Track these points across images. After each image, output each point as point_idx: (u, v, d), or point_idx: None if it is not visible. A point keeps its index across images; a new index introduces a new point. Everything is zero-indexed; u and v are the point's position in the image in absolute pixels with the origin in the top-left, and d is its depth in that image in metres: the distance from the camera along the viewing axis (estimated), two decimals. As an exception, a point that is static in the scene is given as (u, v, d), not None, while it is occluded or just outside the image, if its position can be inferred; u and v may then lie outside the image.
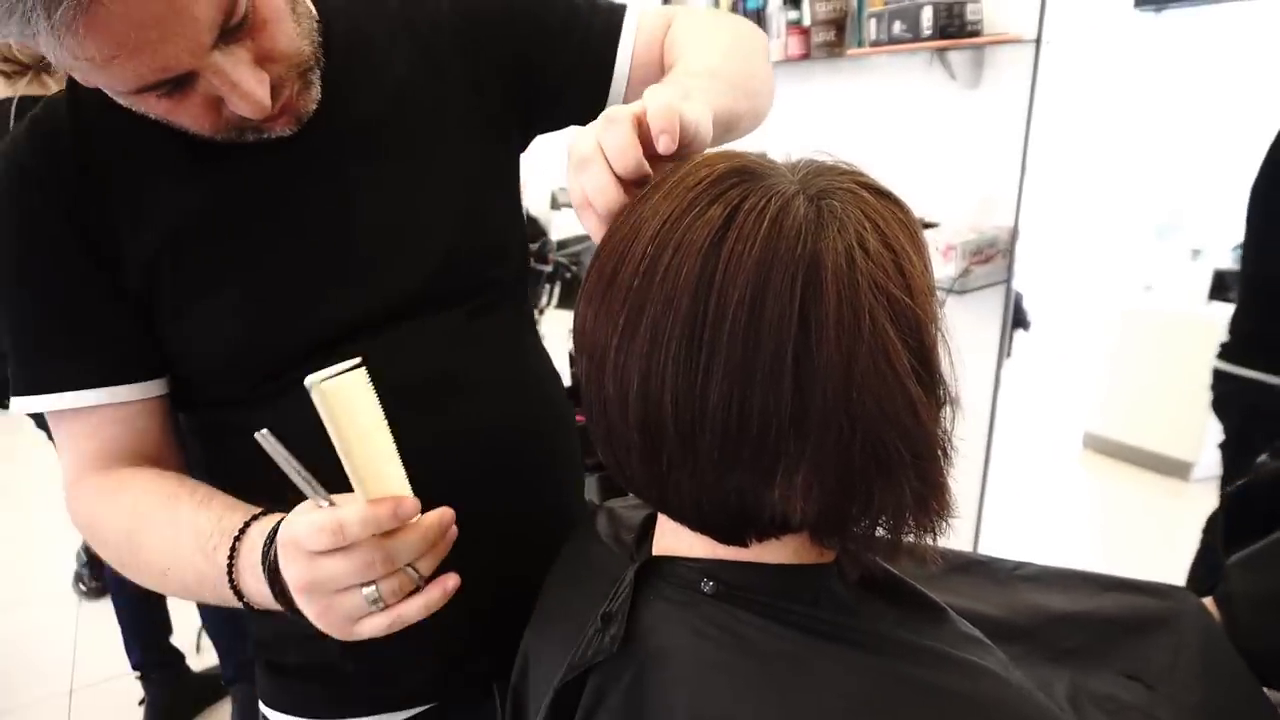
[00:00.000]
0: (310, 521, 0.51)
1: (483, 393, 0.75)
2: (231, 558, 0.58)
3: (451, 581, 0.55)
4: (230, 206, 0.67)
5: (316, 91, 0.67)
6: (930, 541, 0.48)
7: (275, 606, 0.56)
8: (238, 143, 0.65)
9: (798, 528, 0.48)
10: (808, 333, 0.42)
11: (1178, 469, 3.44)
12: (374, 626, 0.53)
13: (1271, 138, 1.73)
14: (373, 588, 0.52)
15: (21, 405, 0.66)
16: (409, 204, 0.72)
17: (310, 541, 0.50)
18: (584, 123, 0.74)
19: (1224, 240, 3.98)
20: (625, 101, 0.80)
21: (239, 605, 0.59)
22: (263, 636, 0.81)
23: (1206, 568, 1.82)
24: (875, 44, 1.89)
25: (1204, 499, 3.27)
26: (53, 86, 1.66)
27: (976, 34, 1.69)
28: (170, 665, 2.09)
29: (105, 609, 2.04)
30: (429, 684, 0.79)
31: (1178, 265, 3.98)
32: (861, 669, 0.46)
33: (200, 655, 2.23)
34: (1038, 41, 1.61)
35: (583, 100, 0.82)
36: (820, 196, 0.44)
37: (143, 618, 2.03)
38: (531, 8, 0.79)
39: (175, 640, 2.10)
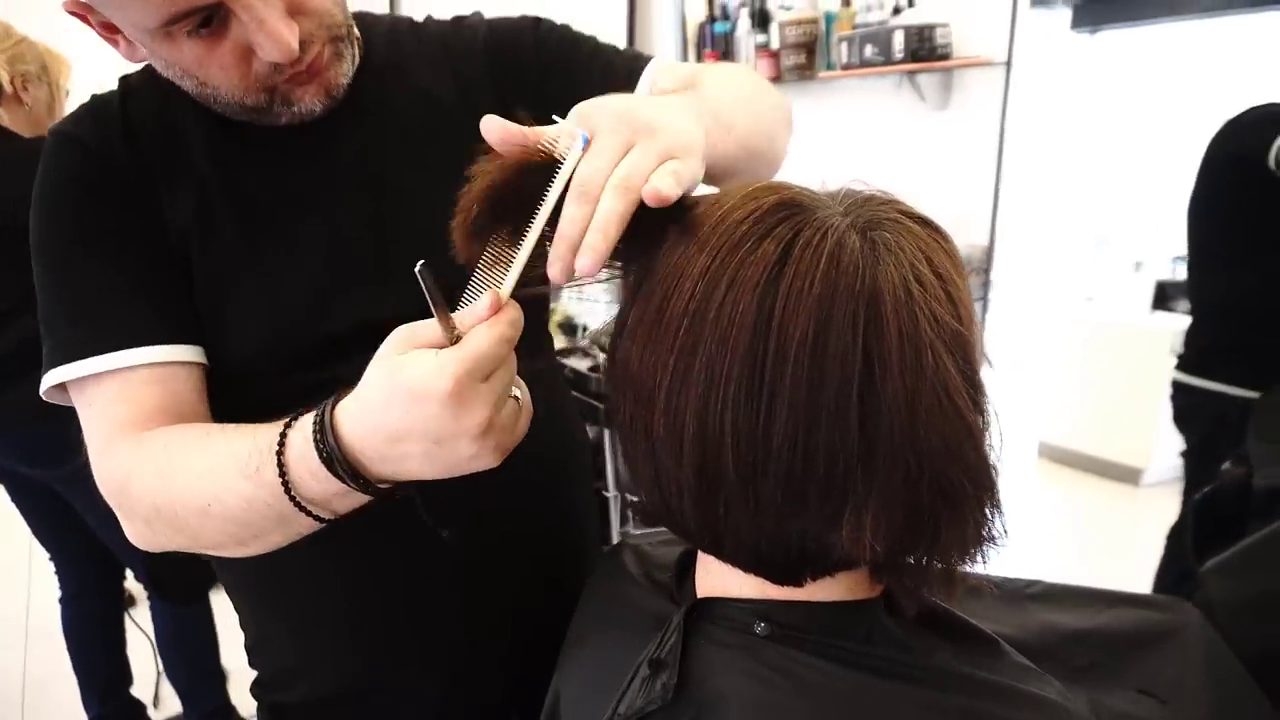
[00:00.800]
0: (482, 351, 0.47)
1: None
2: (282, 463, 0.54)
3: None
4: (262, 190, 0.68)
5: (348, 66, 0.68)
6: (982, 569, 0.49)
7: (342, 502, 0.54)
8: (267, 122, 0.66)
9: (861, 566, 0.48)
10: (871, 368, 0.41)
11: (1129, 475, 3.55)
12: (519, 433, 0.52)
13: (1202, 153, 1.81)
14: (516, 391, 0.52)
15: (60, 375, 0.63)
16: (442, 213, 0.71)
17: (490, 363, 0.47)
18: None
19: (1164, 252, 4.15)
20: None
21: (301, 520, 0.56)
22: (264, 676, 0.79)
23: (1175, 575, 1.87)
24: (847, 67, 1.93)
25: (1155, 503, 3.37)
26: (26, 108, 1.61)
27: (946, 57, 1.74)
28: (130, 717, 2.00)
29: (58, 656, 1.94)
30: (439, 713, 0.77)
31: (1121, 276, 4.13)
32: (924, 706, 0.46)
33: (160, 708, 2.14)
34: (1008, 64, 1.66)
35: None
36: (869, 228, 0.44)
37: (99, 667, 1.94)
38: (561, 45, 0.79)
39: (135, 690, 2.01)
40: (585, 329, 4.17)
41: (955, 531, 0.45)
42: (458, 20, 0.80)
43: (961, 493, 0.44)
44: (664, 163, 0.47)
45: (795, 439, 0.42)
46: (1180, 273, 4.09)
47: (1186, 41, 3.92)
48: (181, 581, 1.89)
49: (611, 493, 1.75)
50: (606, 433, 1.72)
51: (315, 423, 0.52)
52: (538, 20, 0.79)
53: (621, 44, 0.84)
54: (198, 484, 0.57)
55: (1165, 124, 3.96)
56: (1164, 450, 3.59)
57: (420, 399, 0.46)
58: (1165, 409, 3.52)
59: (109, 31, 0.62)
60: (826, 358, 0.41)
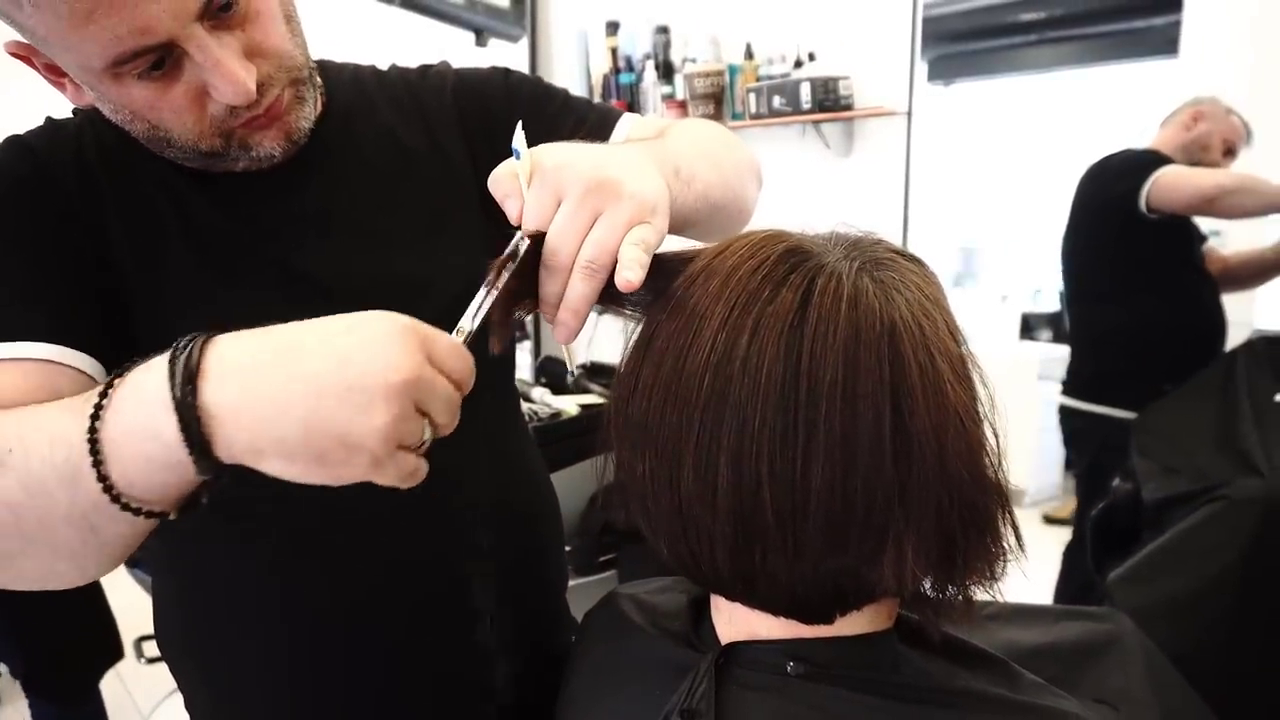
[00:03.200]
0: (459, 346, 0.45)
1: (477, 470, 0.73)
2: (105, 394, 0.42)
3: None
4: (219, 228, 0.64)
5: (310, 110, 0.66)
6: (994, 589, 0.51)
7: (173, 450, 0.41)
8: (223, 169, 0.63)
9: (888, 598, 0.49)
10: (899, 404, 0.44)
11: (1014, 497, 3.75)
12: (404, 465, 0.43)
13: (1055, 192, 2.02)
14: (429, 430, 0.44)
15: None
16: (415, 256, 0.70)
17: (449, 355, 0.44)
18: None
19: (1026, 285, 4.49)
20: None
21: (83, 486, 0.42)
22: None
23: (1075, 588, 1.99)
24: (756, 117, 2.02)
25: (1037, 522, 3.60)
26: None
27: (849, 108, 1.85)
28: None
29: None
30: None
31: (988, 309, 4.43)
32: None
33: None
34: (909, 114, 1.78)
35: None
36: (873, 268, 0.47)
37: None
38: (533, 96, 0.79)
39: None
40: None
41: (983, 553, 0.47)
42: (424, 68, 0.80)
43: (987, 515, 0.47)
44: (631, 229, 0.49)
45: (834, 480, 0.43)
46: (1040, 304, 4.45)
47: (1030, 92, 4.31)
48: (66, 675, 1.71)
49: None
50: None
51: (192, 340, 0.43)
52: (507, 71, 0.80)
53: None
54: (9, 425, 0.44)
55: (1016, 167, 4.31)
56: (1041, 472, 3.85)
57: (362, 339, 0.42)
58: (1040, 432, 3.79)
59: (54, 74, 0.59)
60: (858, 398, 0.43)
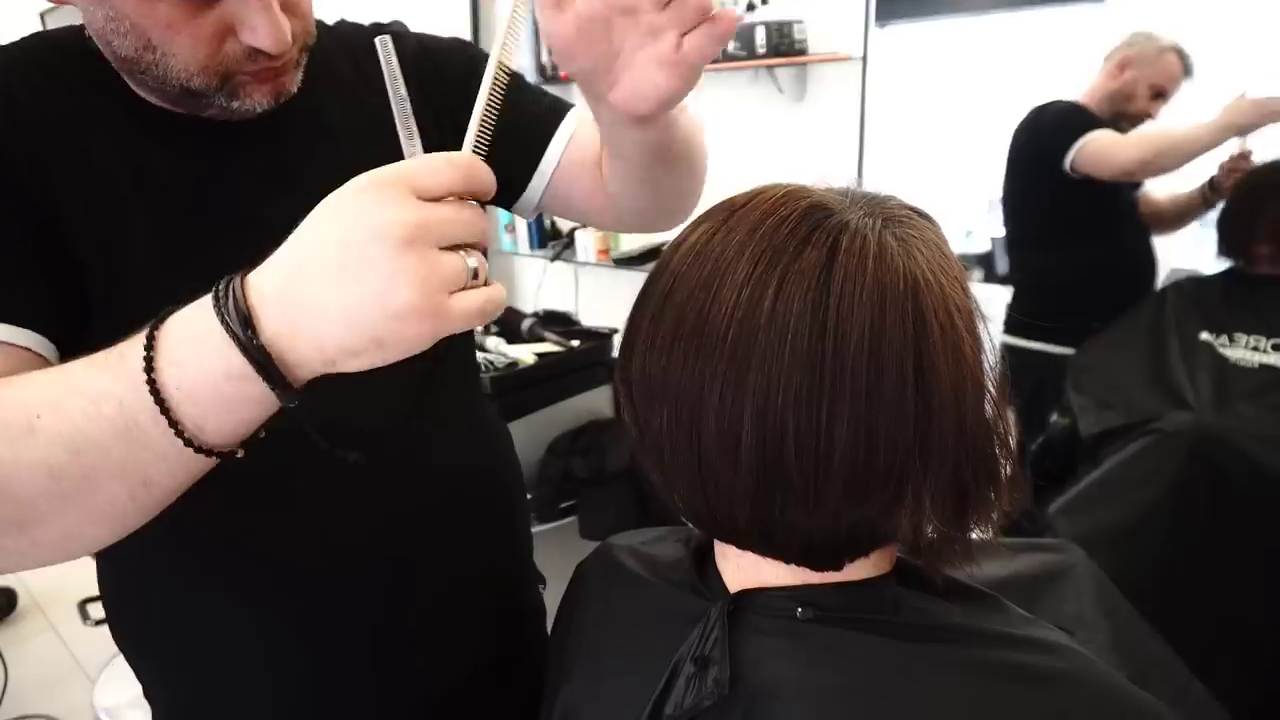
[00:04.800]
0: (432, 158, 0.42)
1: (446, 445, 0.74)
2: (153, 337, 0.42)
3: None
4: (179, 186, 0.62)
5: (298, 78, 0.64)
6: (995, 532, 0.54)
7: (217, 396, 0.42)
8: (194, 111, 0.61)
9: (896, 544, 0.52)
10: (921, 361, 0.45)
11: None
12: (469, 304, 0.42)
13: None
14: (473, 257, 0.43)
15: None
16: None
17: (428, 177, 0.41)
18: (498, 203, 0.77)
19: (958, 227, 4.59)
20: (545, 197, 0.82)
21: (155, 439, 0.42)
22: None
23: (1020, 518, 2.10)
24: (715, 61, 1.99)
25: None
26: None
27: (803, 52, 1.84)
28: None
29: None
30: None
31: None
32: (967, 664, 0.50)
33: None
34: (864, 59, 1.78)
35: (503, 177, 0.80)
36: (894, 225, 0.48)
37: None
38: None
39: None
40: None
41: (991, 501, 0.50)
42: (377, 26, 0.77)
43: (997, 465, 0.49)
44: None
45: (858, 435, 0.44)
46: (972, 245, 4.57)
47: (973, 36, 4.34)
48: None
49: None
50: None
51: (227, 283, 0.42)
52: (466, 43, 0.79)
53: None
54: (31, 394, 0.44)
55: (953, 111, 4.36)
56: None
57: (356, 189, 0.41)
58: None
59: None
60: (883, 354, 0.44)
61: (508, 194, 0.82)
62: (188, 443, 0.42)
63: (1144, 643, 0.91)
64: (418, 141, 0.46)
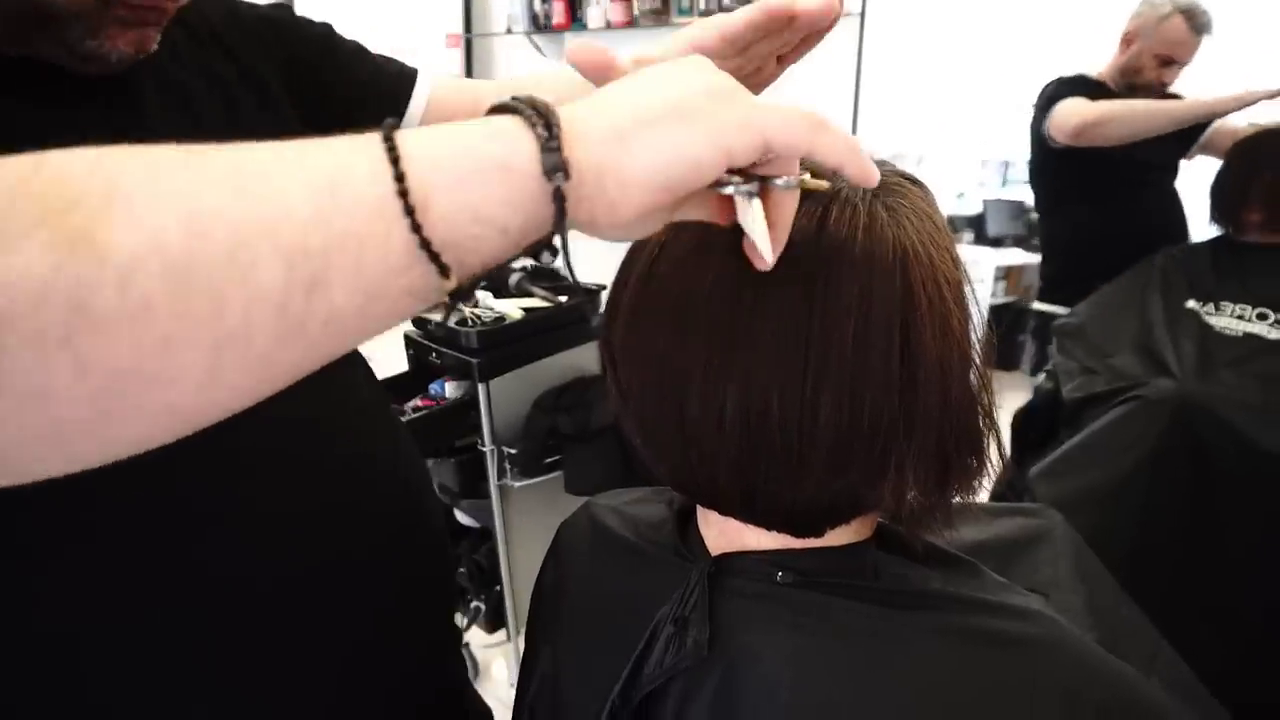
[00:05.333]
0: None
1: (358, 436, 0.69)
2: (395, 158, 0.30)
3: None
4: (20, 139, 0.55)
5: (157, 38, 0.58)
6: (975, 497, 0.54)
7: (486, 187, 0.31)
8: (47, 52, 0.53)
9: (878, 512, 0.52)
10: (908, 333, 0.44)
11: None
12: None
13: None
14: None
15: None
16: None
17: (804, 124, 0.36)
18: None
19: (949, 189, 4.57)
20: None
21: (395, 235, 0.30)
22: None
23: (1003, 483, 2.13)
24: (706, 12, 1.94)
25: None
26: None
27: (799, 4, 1.80)
28: None
29: None
30: None
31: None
32: (943, 630, 0.51)
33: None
34: (862, 15, 1.74)
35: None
36: (883, 193, 0.47)
37: None
38: (330, 40, 0.79)
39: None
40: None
41: (973, 470, 0.50)
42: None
43: (979, 436, 0.49)
44: None
45: (842, 408, 0.44)
46: (963, 207, 4.56)
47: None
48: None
49: (488, 446, 1.73)
50: (480, 388, 1.68)
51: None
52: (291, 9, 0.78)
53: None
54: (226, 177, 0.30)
55: (948, 69, 4.31)
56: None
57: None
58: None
59: None
60: (870, 327, 0.44)
61: None
62: (409, 211, 0.30)
63: (1117, 607, 0.93)
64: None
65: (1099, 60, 2.00)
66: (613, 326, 0.52)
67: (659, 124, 0.34)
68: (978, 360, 0.50)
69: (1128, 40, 1.94)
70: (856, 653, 0.50)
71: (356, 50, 0.80)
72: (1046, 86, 2.01)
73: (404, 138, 0.31)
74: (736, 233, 0.45)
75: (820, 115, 0.38)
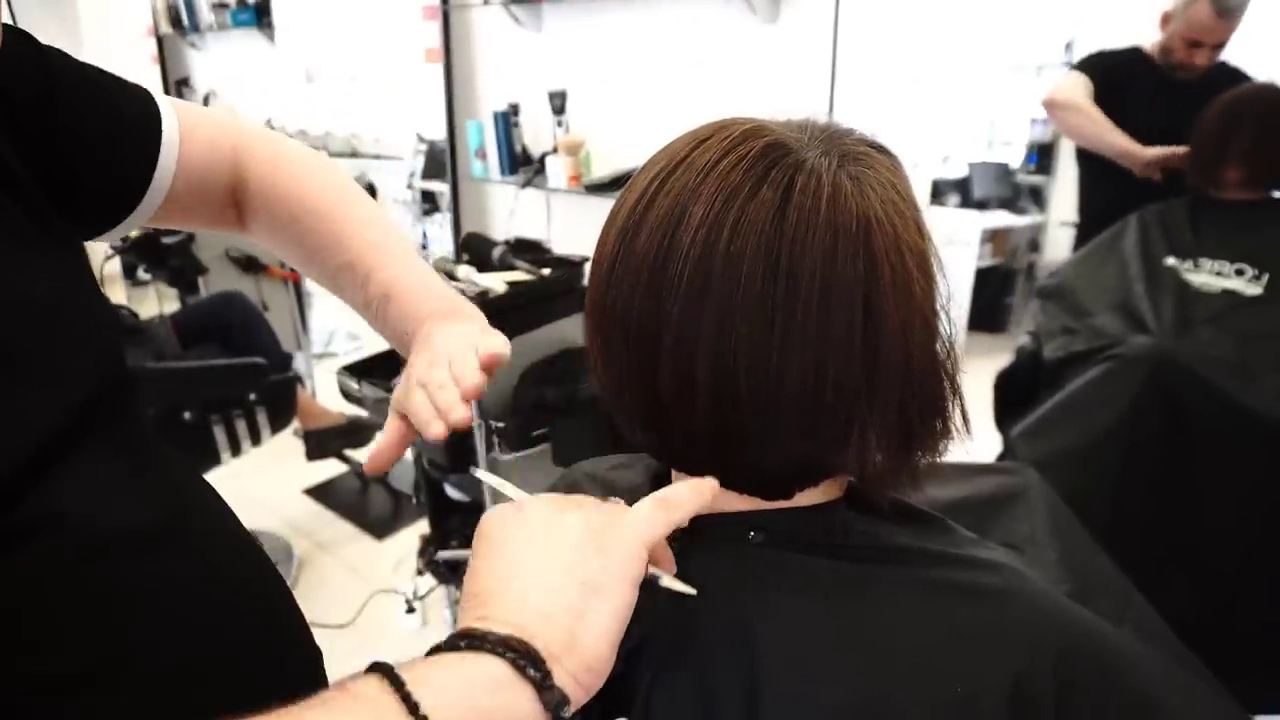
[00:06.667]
0: (653, 516, 0.45)
1: (211, 534, 0.61)
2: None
3: None
4: None
5: None
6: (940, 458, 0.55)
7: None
8: None
9: (847, 473, 0.53)
10: (870, 301, 0.45)
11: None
12: None
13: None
14: None
15: None
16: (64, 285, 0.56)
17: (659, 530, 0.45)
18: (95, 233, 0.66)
19: (935, 152, 4.56)
20: (162, 210, 0.69)
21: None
22: None
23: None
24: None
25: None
26: None
27: (777, -32, 1.78)
28: None
29: None
30: None
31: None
32: (911, 583, 0.52)
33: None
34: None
35: (102, 205, 0.66)
36: (850, 163, 0.47)
37: None
38: (66, 69, 0.63)
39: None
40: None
41: (937, 435, 0.51)
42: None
43: (942, 401, 0.50)
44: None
45: (807, 374, 0.45)
46: (949, 171, 4.55)
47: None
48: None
49: (476, 420, 1.73)
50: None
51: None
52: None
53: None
54: None
55: (929, 32, 4.28)
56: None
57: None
58: (948, 297, 3.95)
59: None
60: (833, 295, 0.45)
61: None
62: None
63: (1090, 560, 0.95)
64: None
65: (1087, 19, 2.03)
66: (591, 291, 0.53)
67: (588, 613, 0.40)
68: (944, 329, 0.51)
69: (1165, 19, 1.95)
70: (828, 605, 0.51)
71: (96, 82, 0.65)
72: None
73: (422, 699, 0.34)
74: (708, 203, 0.46)
75: (666, 497, 0.46)
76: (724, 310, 0.45)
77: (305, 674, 0.64)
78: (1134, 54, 2.00)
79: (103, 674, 0.48)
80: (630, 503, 0.63)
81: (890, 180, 0.49)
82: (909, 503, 0.60)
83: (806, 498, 0.54)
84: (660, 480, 0.63)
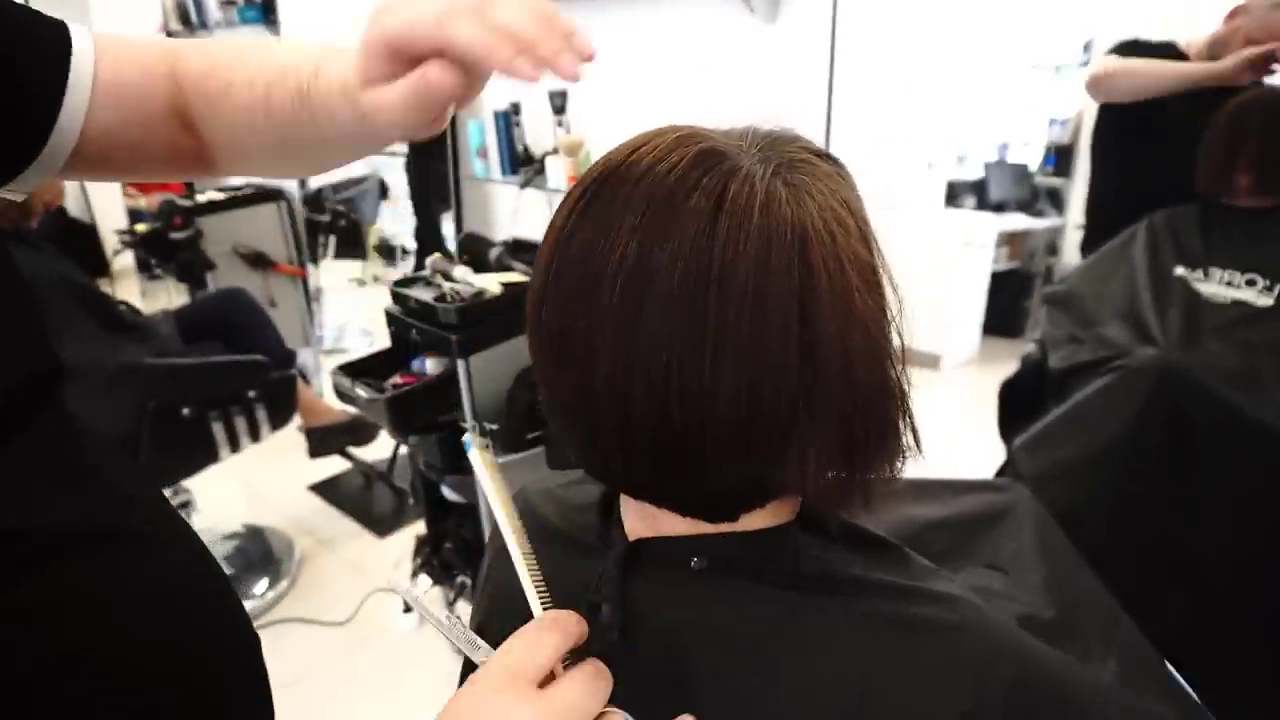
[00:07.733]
0: (529, 639, 0.45)
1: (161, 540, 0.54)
2: None
3: None
4: None
5: None
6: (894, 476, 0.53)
7: None
8: None
9: (793, 495, 0.51)
10: (806, 313, 0.43)
11: (930, 361, 3.92)
12: None
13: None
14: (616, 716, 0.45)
15: None
16: None
17: (540, 657, 0.44)
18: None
19: (950, 153, 4.49)
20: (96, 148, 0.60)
21: None
22: None
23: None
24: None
25: (955, 385, 3.78)
26: None
27: (778, -34, 1.75)
28: None
29: None
30: None
31: (914, 177, 4.44)
32: (860, 616, 0.50)
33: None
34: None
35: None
36: (786, 171, 0.45)
37: None
38: None
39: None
40: (403, 250, 3.98)
41: (884, 454, 0.49)
42: None
43: (888, 418, 0.47)
44: None
45: (741, 387, 0.43)
46: (965, 172, 4.48)
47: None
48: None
49: (469, 423, 1.72)
50: (460, 364, 1.68)
51: None
52: None
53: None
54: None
55: (930, 33, 4.22)
56: (959, 337, 4.00)
57: None
58: (959, 298, 3.88)
59: None
60: (767, 305, 0.42)
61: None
62: None
63: (1078, 583, 0.92)
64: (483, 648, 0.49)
65: (1107, 19, 1.97)
66: (528, 306, 0.51)
67: None
68: (894, 342, 0.48)
69: (1234, 13, 1.86)
70: (769, 641, 0.49)
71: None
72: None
73: None
74: (638, 214, 0.44)
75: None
76: (655, 324, 0.43)
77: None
78: (1169, 49, 1.93)
79: (38, 681, 0.43)
80: (582, 525, 0.62)
81: (832, 188, 0.46)
82: (865, 528, 0.57)
83: (754, 520, 0.52)
84: (609, 498, 0.61)
